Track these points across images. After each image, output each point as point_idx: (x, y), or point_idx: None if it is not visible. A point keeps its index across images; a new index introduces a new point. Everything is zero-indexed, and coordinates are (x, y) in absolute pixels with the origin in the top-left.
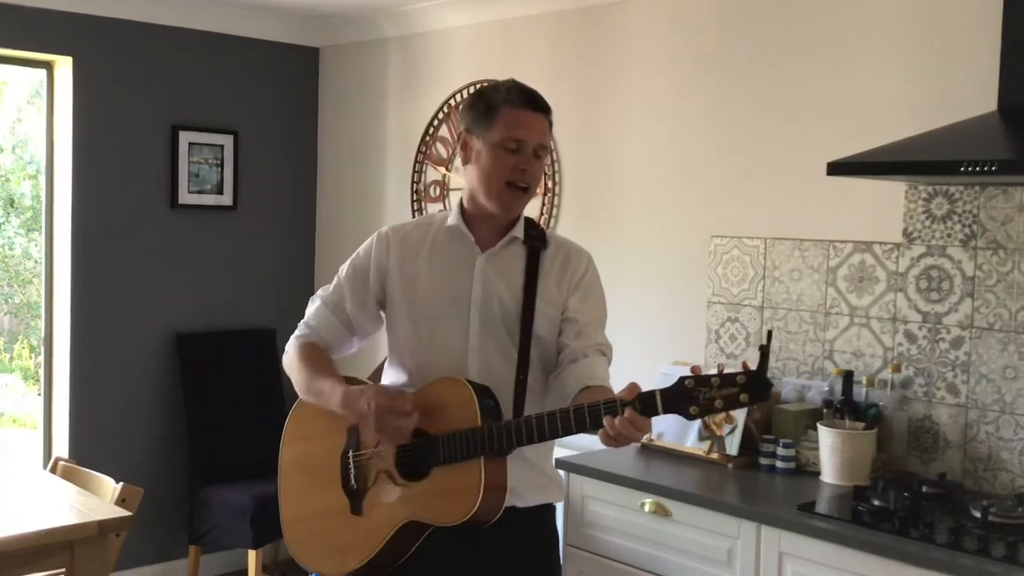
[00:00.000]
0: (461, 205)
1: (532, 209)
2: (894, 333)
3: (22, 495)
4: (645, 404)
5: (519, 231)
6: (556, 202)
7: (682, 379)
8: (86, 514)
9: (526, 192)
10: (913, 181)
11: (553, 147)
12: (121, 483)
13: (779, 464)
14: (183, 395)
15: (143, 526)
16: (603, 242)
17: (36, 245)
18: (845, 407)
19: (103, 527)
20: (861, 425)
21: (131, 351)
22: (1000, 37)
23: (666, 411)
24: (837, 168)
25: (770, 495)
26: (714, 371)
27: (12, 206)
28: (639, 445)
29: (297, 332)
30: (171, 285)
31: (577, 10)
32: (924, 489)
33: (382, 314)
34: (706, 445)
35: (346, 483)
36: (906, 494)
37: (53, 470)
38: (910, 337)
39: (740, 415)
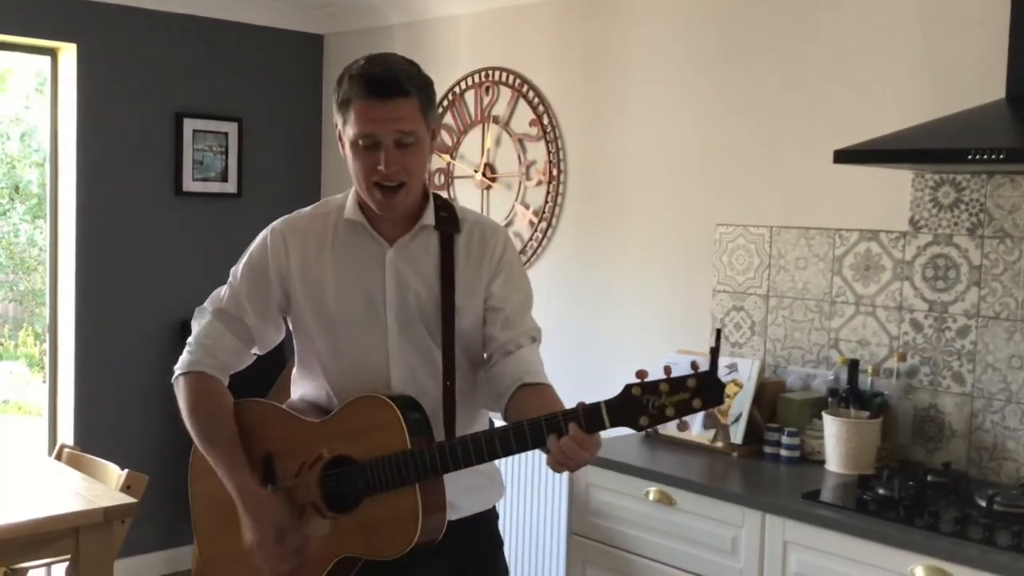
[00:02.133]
0: (357, 195)
1: (537, 198)
2: (900, 322)
3: (27, 482)
4: (590, 419)
5: (429, 218)
6: (561, 190)
7: (628, 387)
8: (91, 501)
9: (400, 189)
10: (920, 169)
11: (558, 135)
12: (126, 470)
13: (784, 453)
14: None
15: (148, 513)
16: (608, 230)
17: (41, 232)
18: (850, 396)
19: (108, 514)
20: (866, 414)
21: (136, 338)
22: (1008, 24)
23: (614, 424)
24: (843, 156)
25: (775, 484)
26: (662, 375)
27: (17, 192)
28: (643, 433)
29: (185, 356)
30: (175, 272)
31: None
32: (929, 478)
33: (283, 321)
34: (711, 434)
35: None
36: (911, 483)
37: (58, 457)
38: (916, 326)
39: (745, 404)
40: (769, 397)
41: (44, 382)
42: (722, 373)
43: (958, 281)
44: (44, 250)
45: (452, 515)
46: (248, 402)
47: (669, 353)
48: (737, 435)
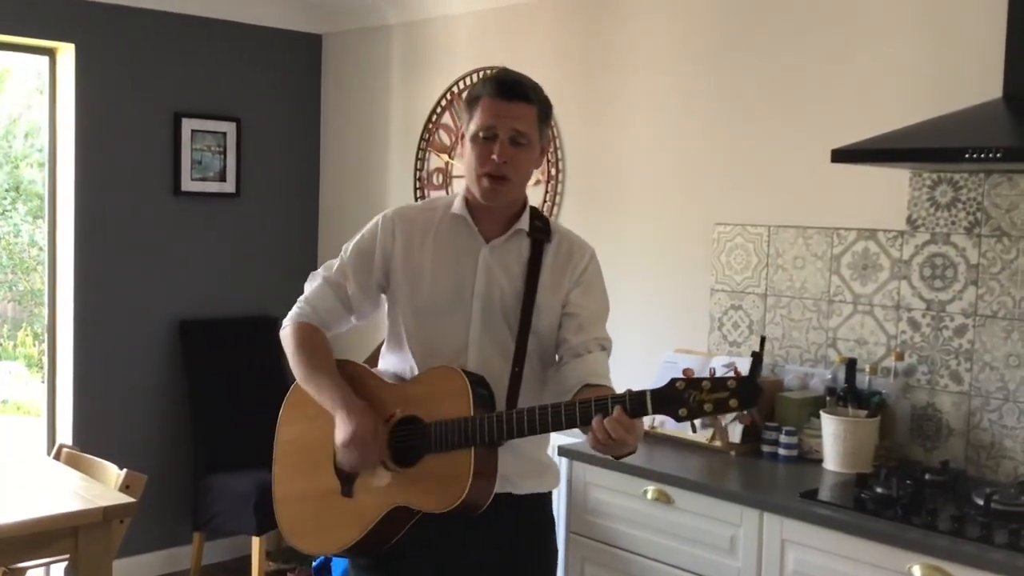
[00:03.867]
0: (466, 194)
1: (535, 196)
2: (898, 321)
3: (26, 482)
4: (635, 404)
5: (524, 223)
6: (559, 189)
7: (673, 380)
8: (90, 500)
9: (503, 181)
10: (917, 168)
11: (556, 134)
12: (125, 470)
13: (782, 452)
14: (186, 382)
15: (147, 513)
16: (606, 229)
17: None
18: (848, 395)
19: (107, 513)
20: (864, 413)
21: (134, 338)
22: (1005, 23)
23: (655, 411)
24: (841, 155)
25: (773, 482)
26: (706, 375)
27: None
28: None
29: (296, 309)
30: (174, 272)
31: None
32: (927, 477)
33: (383, 297)
34: (709, 433)
35: (336, 465)
36: (909, 482)
37: (57, 457)
38: (914, 325)
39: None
40: (767, 396)
41: (43, 382)
42: (720, 372)
43: (956, 280)
44: (43, 250)
45: (508, 488)
46: (341, 360)
47: (667, 352)
48: (735, 434)
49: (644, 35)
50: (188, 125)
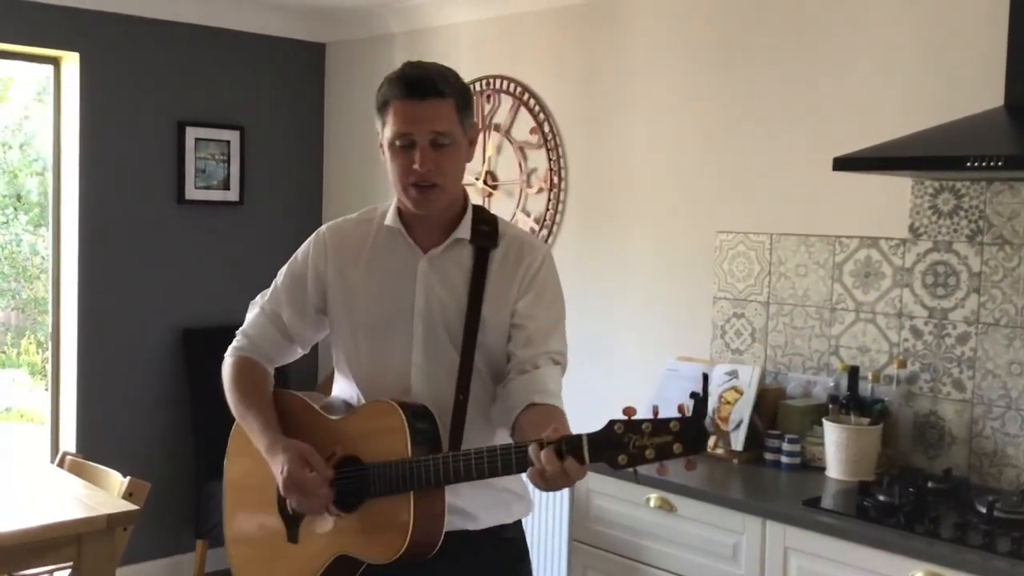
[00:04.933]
0: (398, 203)
1: (538, 205)
2: (900, 329)
3: (30, 490)
4: (572, 448)
5: (463, 231)
6: (562, 198)
7: (612, 423)
8: (94, 508)
9: (433, 189)
10: (919, 176)
11: (559, 142)
12: (128, 477)
13: (784, 459)
14: (189, 390)
15: (150, 520)
16: (608, 237)
17: (43, 241)
18: (851, 403)
19: (111, 521)
20: (866, 421)
21: (138, 346)
22: (1007, 31)
23: (593, 459)
24: (843, 163)
25: (775, 490)
26: (648, 415)
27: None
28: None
29: (234, 343)
30: (177, 281)
31: (582, 5)
32: (929, 485)
33: (325, 320)
34: (712, 440)
35: (283, 508)
36: (911, 489)
37: (60, 465)
38: (916, 333)
39: (745, 410)
40: (770, 404)
41: (46, 390)
42: (722, 380)
43: (958, 288)
44: (46, 258)
45: (469, 525)
46: (280, 392)
47: (669, 360)
48: (738, 442)
49: (646, 44)
50: (192, 133)
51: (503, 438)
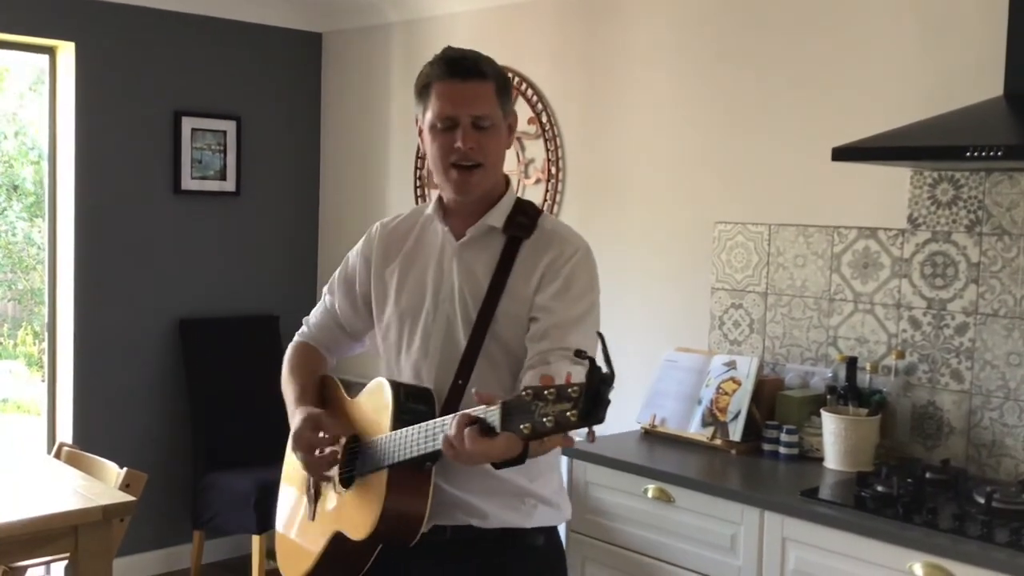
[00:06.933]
0: (440, 192)
1: (536, 196)
2: (898, 319)
3: (26, 480)
4: (483, 422)
5: (495, 218)
6: (560, 188)
7: (524, 389)
8: (90, 499)
9: (476, 170)
10: (918, 167)
11: (557, 133)
12: (125, 468)
13: (782, 450)
14: (186, 381)
15: (147, 511)
16: (607, 228)
17: (39, 231)
18: (849, 393)
19: (107, 512)
20: (865, 411)
21: (134, 337)
22: (1006, 20)
23: (504, 428)
24: (842, 154)
25: (773, 481)
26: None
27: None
28: (642, 430)
29: (300, 330)
30: (174, 271)
31: None
32: (927, 475)
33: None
34: (709, 431)
35: (309, 488)
36: (909, 480)
37: (57, 456)
38: (914, 323)
39: (744, 401)
40: (768, 395)
41: (43, 381)
42: (717, 370)
43: (956, 278)
44: (42, 249)
45: (476, 521)
46: (328, 376)
47: (668, 351)
48: (736, 432)
49: (644, 33)
50: (188, 124)
51: None
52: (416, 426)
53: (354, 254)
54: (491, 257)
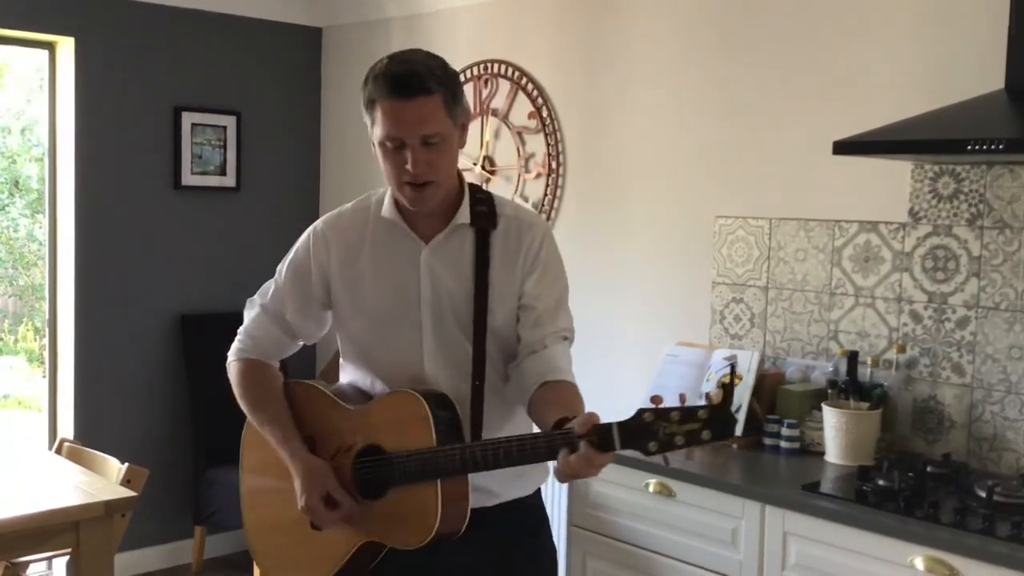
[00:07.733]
0: (393, 194)
1: (536, 190)
2: (899, 313)
3: (28, 476)
4: (603, 439)
5: (463, 215)
6: (560, 183)
7: (641, 412)
8: (92, 495)
9: (427, 186)
10: (919, 160)
11: (557, 127)
12: (126, 464)
13: (783, 444)
14: (187, 376)
15: (148, 507)
16: (607, 223)
17: (41, 227)
18: (850, 387)
19: (109, 507)
20: (866, 405)
21: (135, 333)
22: (1008, 14)
23: (624, 447)
24: (843, 147)
25: (774, 475)
26: (676, 403)
27: (17, 187)
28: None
29: (237, 343)
30: (174, 267)
31: None
32: (929, 469)
33: (328, 314)
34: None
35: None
36: (911, 474)
37: (58, 451)
38: (915, 317)
39: (744, 395)
40: (769, 389)
41: (44, 377)
42: (721, 366)
43: (957, 272)
44: (44, 245)
45: (489, 502)
46: (295, 383)
47: (669, 345)
48: (737, 427)
49: (645, 28)
50: (188, 119)
51: (521, 416)
52: (495, 443)
53: (303, 258)
54: (466, 255)
